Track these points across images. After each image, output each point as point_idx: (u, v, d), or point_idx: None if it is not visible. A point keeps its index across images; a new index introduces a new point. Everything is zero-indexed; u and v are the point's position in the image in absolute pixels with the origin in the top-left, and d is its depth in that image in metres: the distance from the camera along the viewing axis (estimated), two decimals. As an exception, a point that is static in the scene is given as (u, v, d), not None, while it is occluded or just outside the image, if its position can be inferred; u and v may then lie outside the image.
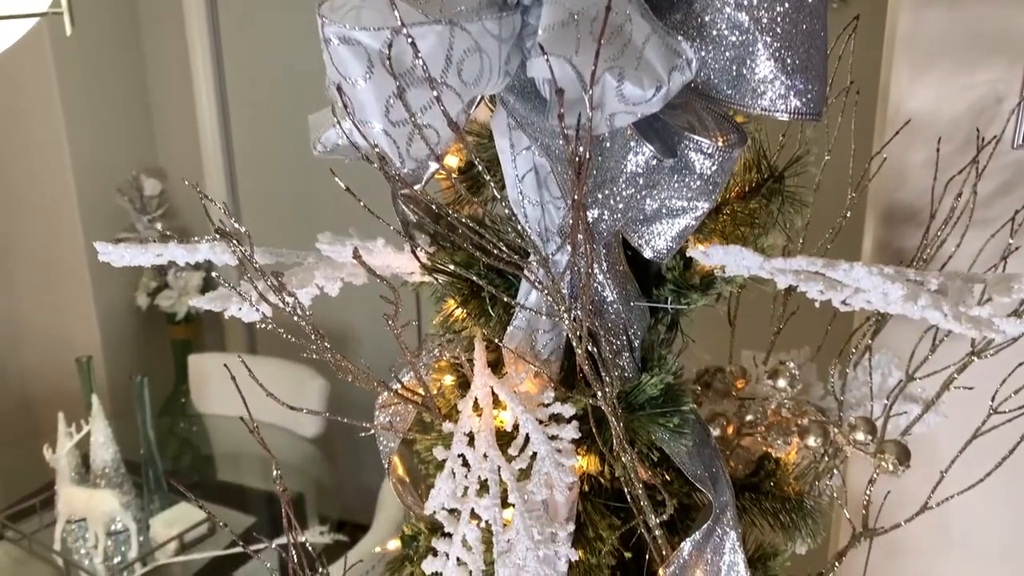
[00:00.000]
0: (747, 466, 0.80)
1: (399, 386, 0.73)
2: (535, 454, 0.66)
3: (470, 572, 0.68)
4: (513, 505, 0.66)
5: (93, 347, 2.76)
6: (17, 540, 2.20)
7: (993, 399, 0.82)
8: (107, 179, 2.78)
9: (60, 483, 2.16)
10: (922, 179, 1.08)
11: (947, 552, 1.13)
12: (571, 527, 0.66)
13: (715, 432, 0.79)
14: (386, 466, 0.82)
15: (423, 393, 0.74)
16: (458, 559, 0.68)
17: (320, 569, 0.92)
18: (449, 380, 0.80)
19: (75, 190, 2.70)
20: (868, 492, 0.85)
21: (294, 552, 0.91)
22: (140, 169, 2.84)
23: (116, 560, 2.10)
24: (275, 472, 0.82)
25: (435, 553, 0.70)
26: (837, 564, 0.86)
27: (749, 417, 0.80)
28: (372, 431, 0.77)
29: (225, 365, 0.79)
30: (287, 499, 0.95)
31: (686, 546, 0.72)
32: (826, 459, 0.83)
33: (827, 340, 0.93)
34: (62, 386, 2.78)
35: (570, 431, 0.65)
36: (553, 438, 0.65)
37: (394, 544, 0.87)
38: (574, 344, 0.65)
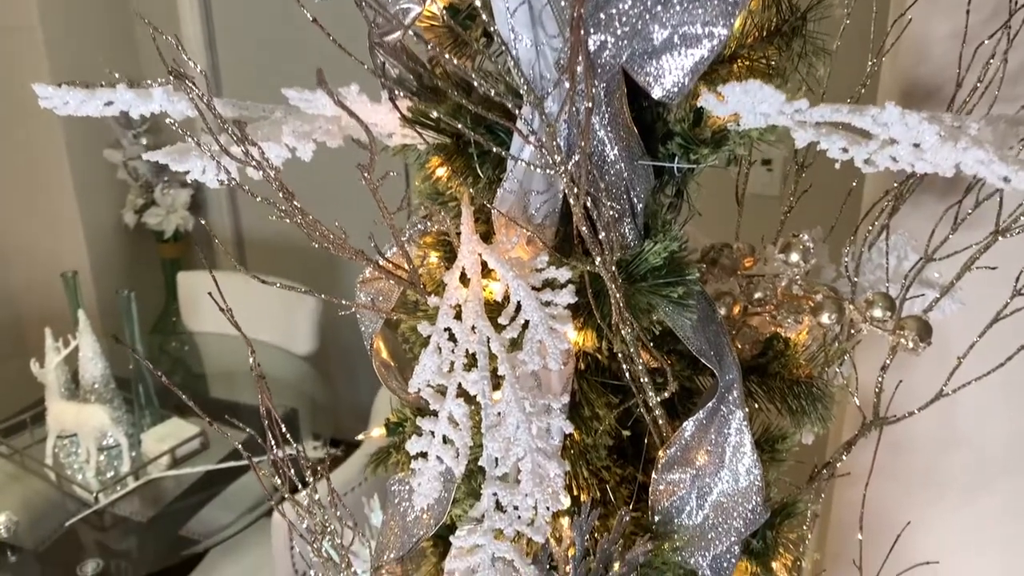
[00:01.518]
0: (754, 347, 0.75)
1: (381, 258, 0.67)
2: (527, 322, 0.60)
3: (456, 451, 0.63)
4: (503, 378, 0.61)
5: (81, 267, 2.70)
6: (9, 455, 2.19)
7: (1018, 279, 0.76)
8: (88, 91, 2.67)
9: (49, 398, 2.13)
10: (946, 52, 1.00)
11: (953, 450, 1.10)
12: (565, 399, 0.61)
13: (721, 311, 0.73)
14: (368, 348, 0.77)
15: (407, 267, 0.68)
16: (444, 437, 0.64)
17: (310, 479, 0.88)
18: (435, 258, 0.74)
19: (55, 104, 2.60)
20: (880, 379, 0.81)
21: (283, 463, 0.87)
22: (123, 82, 2.72)
23: (109, 475, 2.09)
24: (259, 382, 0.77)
25: (420, 433, 0.66)
26: (845, 454, 0.82)
27: (758, 295, 0.74)
28: (353, 310, 0.72)
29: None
30: (268, 395, 0.90)
31: (689, 426, 0.68)
32: (837, 342, 0.78)
33: (840, 221, 0.87)
34: (51, 306, 2.73)
35: (565, 296, 0.59)
36: (547, 304, 0.60)
37: (378, 431, 0.83)
38: (571, 201, 0.58)
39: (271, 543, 1.87)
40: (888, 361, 0.81)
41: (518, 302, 0.61)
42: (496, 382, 0.61)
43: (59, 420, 2.13)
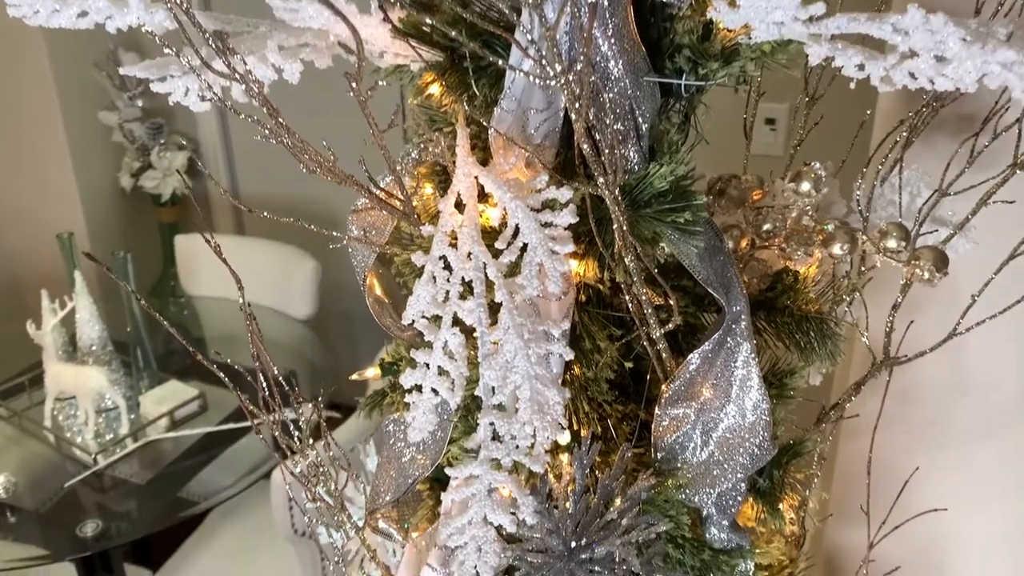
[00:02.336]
0: (762, 281, 0.72)
1: (373, 185, 0.64)
2: (525, 246, 0.58)
3: (452, 382, 0.61)
4: (500, 307, 0.58)
5: (78, 231, 2.67)
6: (8, 417, 2.17)
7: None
8: (83, 53, 2.62)
9: (47, 360, 2.12)
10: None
11: (961, 398, 1.07)
12: (566, 325, 0.59)
13: (728, 244, 0.70)
14: (361, 284, 0.74)
15: (400, 196, 0.65)
16: (439, 368, 0.61)
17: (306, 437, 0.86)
18: (430, 189, 0.71)
19: (50, 66, 2.56)
20: (891, 318, 0.78)
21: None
22: (117, 42, 2.67)
23: (108, 437, 2.08)
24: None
25: (414, 365, 0.63)
26: (854, 395, 0.79)
27: (767, 226, 0.71)
28: (345, 243, 0.69)
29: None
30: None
31: (694, 358, 0.65)
32: (848, 278, 0.75)
33: (851, 157, 0.84)
34: (48, 270, 2.70)
35: (566, 216, 0.56)
36: (546, 226, 0.57)
37: (372, 372, 0.81)
38: (572, 116, 0.55)
39: (271, 504, 1.86)
40: (899, 300, 0.79)
41: (516, 225, 0.58)
42: (493, 310, 0.59)
43: (57, 382, 2.12)
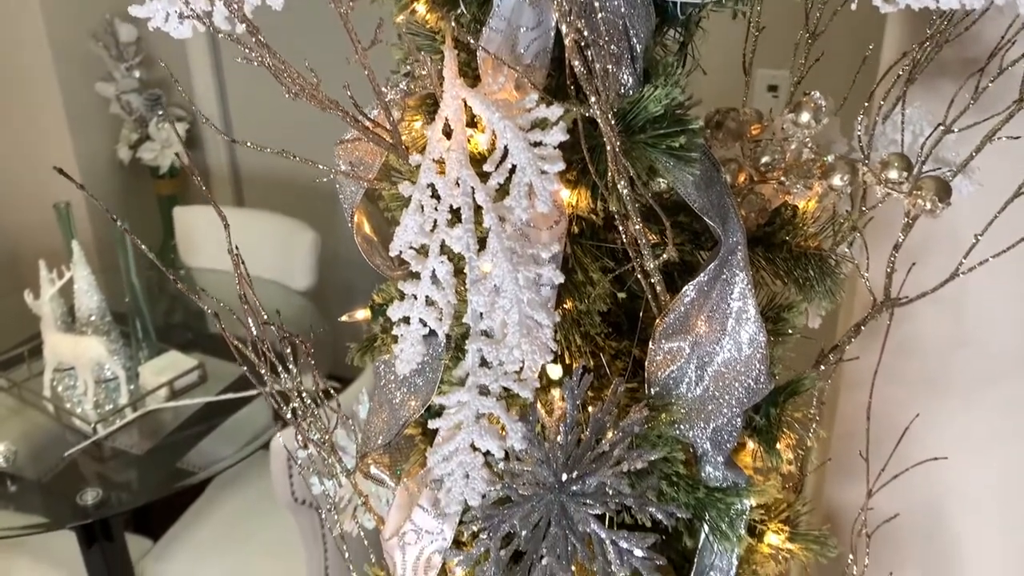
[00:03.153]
0: (760, 215, 0.70)
1: (359, 115, 0.63)
2: (514, 167, 0.56)
3: (440, 312, 0.59)
4: (489, 232, 0.57)
5: (76, 203, 2.66)
6: (7, 388, 2.17)
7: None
8: (79, 23, 2.60)
9: (45, 330, 2.11)
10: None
11: (960, 350, 1.06)
12: (556, 249, 0.57)
13: (726, 177, 0.68)
14: (349, 221, 0.73)
15: (387, 127, 0.64)
16: (427, 298, 0.60)
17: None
18: (419, 124, 0.69)
19: (46, 37, 2.53)
20: (892, 259, 0.76)
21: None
22: (113, 12, 2.65)
23: (107, 408, 2.07)
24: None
25: (402, 297, 0.62)
26: (854, 337, 0.78)
27: (765, 159, 0.69)
28: (332, 177, 0.67)
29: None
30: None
31: (690, 290, 0.63)
32: (849, 217, 0.73)
33: (853, 95, 0.82)
34: (46, 243, 2.69)
35: (556, 134, 0.55)
36: (536, 145, 0.55)
37: (363, 314, 0.79)
38: (563, 31, 0.53)
39: (270, 473, 1.85)
40: (900, 240, 0.77)
41: (504, 148, 0.56)
42: (482, 237, 0.57)
43: (56, 352, 2.11)
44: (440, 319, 0.58)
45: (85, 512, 1.83)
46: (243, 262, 0.78)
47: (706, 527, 0.69)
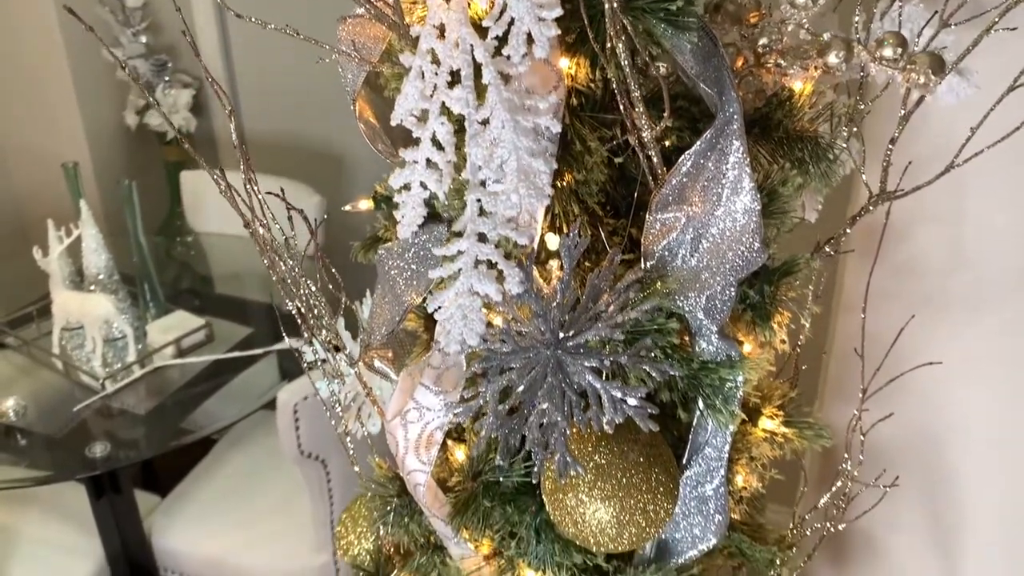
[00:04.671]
0: (758, 96, 0.72)
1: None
2: (513, 20, 0.57)
3: (440, 173, 0.61)
4: (487, 89, 0.58)
5: (84, 168, 2.68)
6: (17, 347, 2.19)
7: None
8: (86, -11, 2.62)
9: (54, 288, 2.13)
10: None
11: (959, 274, 1.07)
12: (553, 98, 0.58)
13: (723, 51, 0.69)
14: (352, 105, 0.74)
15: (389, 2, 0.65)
16: (428, 160, 0.61)
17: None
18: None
19: (53, 1, 2.55)
20: (889, 151, 0.77)
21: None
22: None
23: (116, 366, 2.09)
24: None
25: (403, 165, 0.63)
26: (849, 228, 0.79)
27: (763, 40, 0.70)
28: (334, 58, 0.69)
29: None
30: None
31: (686, 160, 0.65)
32: (847, 105, 0.74)
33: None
34: (54, 208, 2.72)
35: (553, -13, 0.56)
36: (532, -2, 0.56)
37: (365, 204, 0.81)
38: None
39: (277, 428, 1.86)
40: (896, 134, 0.78)
41: (503, 3, 0.58)
42: (481, 94, 0.59)
43: (64, 309, 2.13)
44: (440, 180, 0.60)
45: (93, 464, 1.85)
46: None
47: (701, 403, 0.71)
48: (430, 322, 0.82)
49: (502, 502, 0.74)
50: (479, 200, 0.58)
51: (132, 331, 2.14)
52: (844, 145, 0.77)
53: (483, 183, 0.58)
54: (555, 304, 0.60)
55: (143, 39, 2.61)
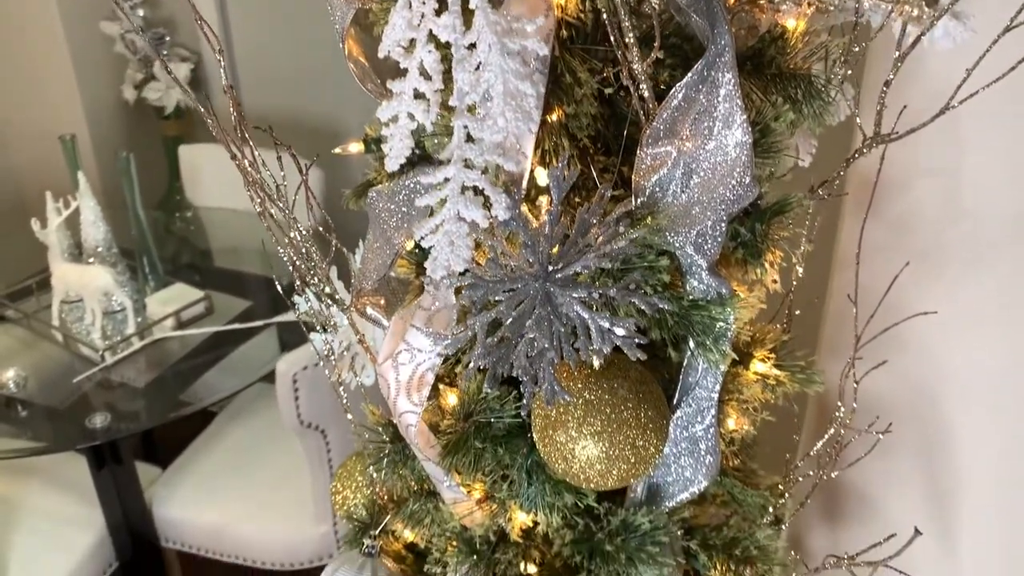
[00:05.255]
0: (750, 33, 0.71)
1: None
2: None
3: (428, 102, 0.60)
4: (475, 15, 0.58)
5: (82, 143, 2.68)
6: (17, 319, 2.20)
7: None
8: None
9: (53, 260, 2.13)
10: None
11: (957, 223, 1.06)
12: (541, 21, 0.58)
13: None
14: (340, 44, 0.73)
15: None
16: (415, 91, 0.61)
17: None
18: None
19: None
20: (883, 93, 0.77)
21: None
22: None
23: (116, 339, 2.10)
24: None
25: (390, 97, 0.63)
26: (843, 171, 0.78)
27: (753, -25, 0.70)
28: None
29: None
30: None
31: (677, 92, 0.64)
32: (840, 43, 0.73)
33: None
34: (52, 182, 2.72)
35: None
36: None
37: (356, 147, 0.80)
38: None
39: (276, 398, 1.86)
40: (891, 77, 0.77)
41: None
42: (469, 21, 0.58)
43: (63, 281, 2.14)
44: (427, 110, 0.59)
45: (94, 434, 1.86)
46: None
47: (691, 342, 0.71)
48: (422, 269, 0.81)
49: (493, 444, 0.74)
50: (465, 126, 0.58)
51: (131, 303, 2.14)
52: (838, 87, 0.77)
53: (470, 109, 0.57)
54: (544, 235, 0.60)
55: (140, 12, 2.60)
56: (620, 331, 0.58)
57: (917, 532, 0.78)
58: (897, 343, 1.09)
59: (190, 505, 2.07)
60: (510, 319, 0.60)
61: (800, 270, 0.79)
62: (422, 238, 0.59)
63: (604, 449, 0.66)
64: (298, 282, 0.82)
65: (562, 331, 0.60)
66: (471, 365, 0.60)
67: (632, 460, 0.67)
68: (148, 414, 1.96)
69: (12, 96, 2.77)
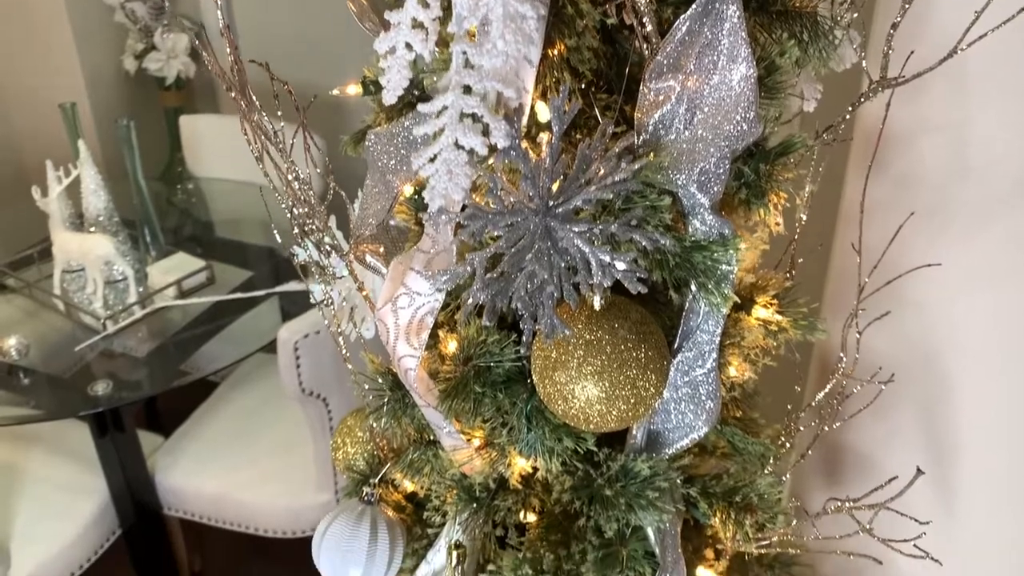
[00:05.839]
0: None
1: None
2: None
3: (426, 32, 0.59)
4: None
5: (83, 114, 2.67)
6: (19, 289, 2.20)
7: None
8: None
9: (54, 229, 2.13)
10: None
11: (963, 182, 1.05)
12: (541, -53, 0.57)
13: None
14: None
15: None
16: (413, 20, 0.60)
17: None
18: None
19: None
20: (890, 36, 0.75)
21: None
22: None
23: (118, 309, 2.10)
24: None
25: (388, 28, 0.62)
26: (848, 115, 0.77)
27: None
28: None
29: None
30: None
31: (681, 24, 0.63)
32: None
33: None
34: (54, 153, 2.71)
35: None
36: None
37: (354, 89, 0.79)
38: None
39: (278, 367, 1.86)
40: (899, 19, 0.76)
41: None
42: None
43: (64, 250, 2.13)
44: (425, 40, 0.58)
45: (96, 401, 1.86)
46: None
47: (693, 285, 0.70)
48: (421, 218, 0.81)
49: (493, 389, 0.73)
50: (464, 52, 0.57)
51: (133, 273, 2.14)
52: (844, 30, 0.76)
53: (469, 34, 0.56)
54: (544, 169, 0.59)
55: (141, -19, 2.58)
56: (621, 265, 0.57)
57: (919, 471, 0.78)
58: (900, 301, 1.09)
59: (192, 473, 2.08)
60: (509, 253, 0.59)
61: (804, 216, 0.78)
62: (420, 167, 0.58)
63: (604, 389, 0.65)
64: (296, 230, 0.82)
65: (563, 266, 0.59)
66: (470, 302, 0.59)
67: (632, 400, 0.66)
68: (150, 382, 1.96)
69: (13, 65, 2.76)
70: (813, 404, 0.87)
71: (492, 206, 0.58)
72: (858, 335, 0.84)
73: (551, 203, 0.60)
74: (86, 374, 1.93)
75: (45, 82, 2.70)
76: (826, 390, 0.85)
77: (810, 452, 0.89)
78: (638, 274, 0.57)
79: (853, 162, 1.15)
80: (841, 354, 0.85)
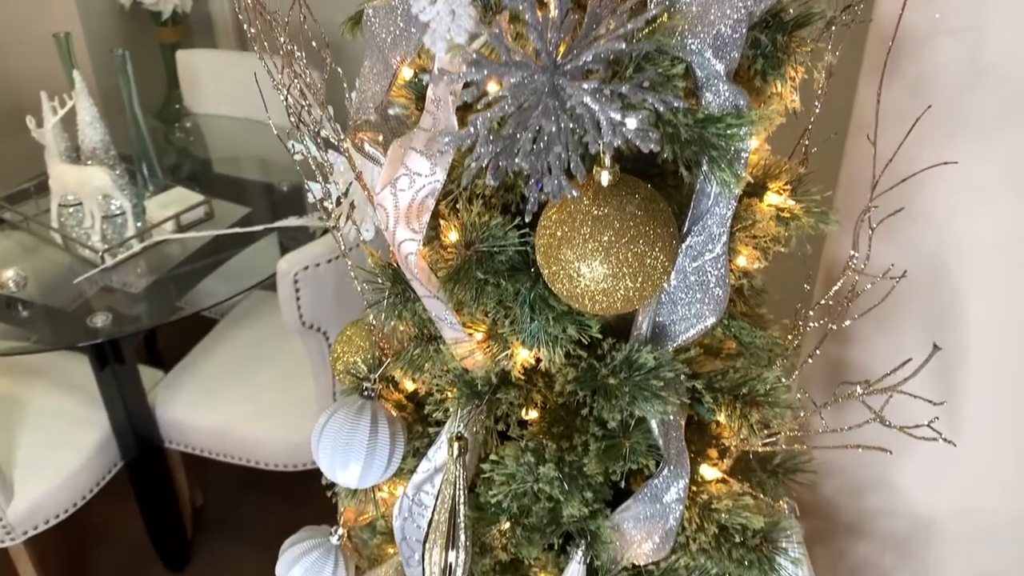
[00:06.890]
0: None
1: None
2: None
3: None
4: None
5: (78, 49, 2.61)
6: (17, 223, 2.18)
7: None
8: None
9: (50, 161, 2.10)
10: None
11: (977, 90, 1.01)
12: None
13: None
14: None
15: None
16: None
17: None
18: None
19: None
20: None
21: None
22: None
23: (115, 243, 2.07)
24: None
25: None
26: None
27: None
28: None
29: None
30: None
31: None
32: None
33: None
34: (49, 89, 2.67)
35: None
36: None
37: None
38: None
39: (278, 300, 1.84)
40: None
41: None
42: None
43: (61, 182, 2.11)
44: None
45: (95, 333, 1.85)
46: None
47: (704, 164, 0.67)
48: (421, 102, 0.78)
49: (496, 276, 0.72)
50: None
51: (131, 207, 2.11)
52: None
53: None
54: (552, 23, 0.56)
55: (134, -90, 2.51)
56: (632, 122, 0.55)
57: (936, 347, 0.76)
58: (910, 212, 1.06)
59: (193, 407, 2.08)
60: (515, 113, 0.57)
61: (820, 98, 0.75)
62: (421, 10, 0.55)
63: (611, 265, 0.63)
64: (293, 119, 0.79)
65: (571, 127, 0.57)
66: (473, 165, 0.57)
67: (639, 279, 0.64)
68: (149, 314, 1.95)
69: (5, 4, 2.70)
70: (823, 301, 0.85)
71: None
72: (871, 229, 0.82)
73: (559, 60, 0.57)
74: (85, 307, 1.91)
75: (38, 12, 2.65)
76: (838, 286, 0.83)
77: (818, 352, 0.87)
78: (651, 133, 0.55)
79: (866, 68, 1.12)
80: (852, 251, 0.83)
